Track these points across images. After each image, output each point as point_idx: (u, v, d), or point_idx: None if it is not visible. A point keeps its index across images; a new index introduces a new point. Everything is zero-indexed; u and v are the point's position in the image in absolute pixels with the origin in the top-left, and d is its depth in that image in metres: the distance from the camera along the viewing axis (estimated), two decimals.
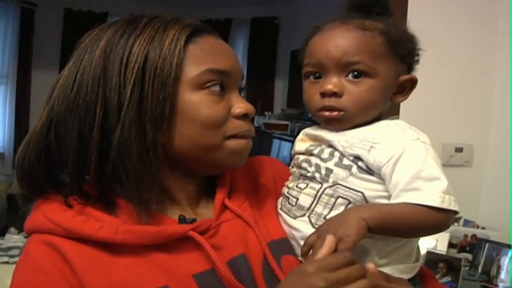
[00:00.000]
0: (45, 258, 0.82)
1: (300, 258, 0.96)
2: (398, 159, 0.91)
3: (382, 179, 0.93)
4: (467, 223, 2.26)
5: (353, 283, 0.78)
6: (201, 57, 0.91)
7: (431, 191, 0.88)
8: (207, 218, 0.94)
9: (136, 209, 0.87)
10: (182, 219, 0.92)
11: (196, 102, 0.90)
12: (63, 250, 0.82)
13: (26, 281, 0.83)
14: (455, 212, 0.89)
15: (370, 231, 0.85)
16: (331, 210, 0.95)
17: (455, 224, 2.24)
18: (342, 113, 0.97)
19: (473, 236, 2.13)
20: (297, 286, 0.79)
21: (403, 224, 0.89)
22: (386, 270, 0.91)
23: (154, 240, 0.86)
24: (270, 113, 6.55)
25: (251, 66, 7.31)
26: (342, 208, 0.94)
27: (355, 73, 0.96)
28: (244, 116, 0.95)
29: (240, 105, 0.95)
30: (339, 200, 0.94)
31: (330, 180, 0.96)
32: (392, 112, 1.04)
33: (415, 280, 0.98)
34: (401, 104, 2.08)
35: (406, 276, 0.95)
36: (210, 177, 1.03)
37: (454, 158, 2.37)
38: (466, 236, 2.14)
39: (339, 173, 0.95)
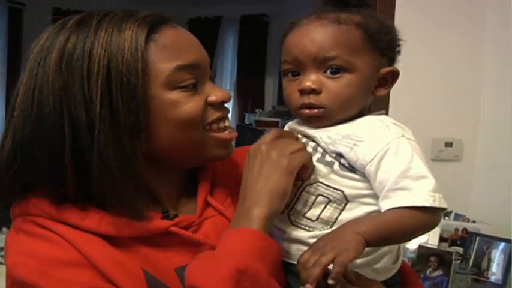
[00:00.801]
0: (41, 229, 0.83)
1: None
2: (383, 157, 0.89)
3: (364, 177, 0.91)
4: (458, 217, 2.27)
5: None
6: (166, 55, 0.87)
7: (421, 191, 0.86)
8: (189, 214, 0.95)
9: (121, 215, 0.86)
10: (165, 213, 0.93)
11: (172, 101, 0.87)
12: (55, 229, 0.83)
13: (26, 249, 0.83)
14: (444, 209, 0.88)
15: (367, 245, 0.83)
16: (310, 208, 0.93)
17: (446, 218, 2.25)
18: (322, 110, 0.95)
19: (464, 229, 2.14)
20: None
21: (400, 231, 0.87)
22: (363, 271, 0.90)
23: (136, 234, 0.86)
24: (260, 110, 6.55)
25: (241, 63, 7.31)
26: (321, 206, 0.92)
27: (333, 69, 0.94)
28: (220, 103, 0.94)
29: (215, 92, 0.93)
30: (319, 198, 0.93)
31: (311, 177, 0.94)
32: (381, 108, 1.03)
33: (393, 280, 0.97)
34: (391, 100, 2.11)
35: (382, 278, 0.93)
36: (190, 170, 1.01)
37: (444, 152, 2.38)
38: (456, 229, 2.15)
39: (320, 169, 0.93)
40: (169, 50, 0.88)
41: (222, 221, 0.96)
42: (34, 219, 0.85)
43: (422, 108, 2.34)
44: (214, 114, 0.93)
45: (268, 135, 0.94)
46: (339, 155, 0.93)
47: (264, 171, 0.89)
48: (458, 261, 2.03)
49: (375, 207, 0.91)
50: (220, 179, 1.02)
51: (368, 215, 0.91)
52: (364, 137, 0.91)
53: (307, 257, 0.82)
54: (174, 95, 0.87)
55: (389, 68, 0.99)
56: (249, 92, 7.19)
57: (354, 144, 0.91)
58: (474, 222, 2.22)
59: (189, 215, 0.94)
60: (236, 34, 7.40)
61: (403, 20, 2.19)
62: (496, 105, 2.35)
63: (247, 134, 6.30)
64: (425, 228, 0.90)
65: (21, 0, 6.65)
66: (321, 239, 0.86)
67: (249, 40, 7.22)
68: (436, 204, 0.86)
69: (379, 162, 0.89)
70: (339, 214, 0.91)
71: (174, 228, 0.88)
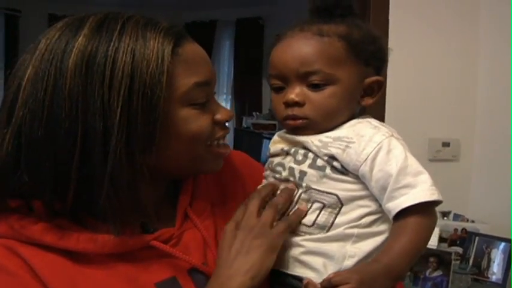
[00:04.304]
0: (10, 261, 0.78)
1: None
2: (376, 156, 0.90)
3: (357, 179, 0.92)
4: (456, 217, 2.27)
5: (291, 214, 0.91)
6: (185, 71, 0.85)
7: (424, 186, 0.88)
8: (169, 224, 0.92)
9: (112, 229, 0.82)
10: (145, 227, 0.90)
11: (184, 118, 0.85)
12: (25, 256, 0.78)
13: None
14: (440, 202, 0.90)
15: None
16: (306, 214, 0.93)
17: (445, 218, 2.25)
18: (306, 121, 0.96)
19: (463, 229, 2.15)
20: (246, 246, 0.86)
21: (420, 240, 0.88)
22: None
23: (115, 250, 0.83)
24: (257, 113, 6.55)
25: (237, 67, 7.30)
26: (317, 211, 0.92)
27: (315, 82, 0.95)
28: (225, 122, 0.94)
29: (220, 110, 0.93)
30: (314, 204, 0.93)
31: (303, 185, 0.94)
32: (378, 109, 1.03)
33: None
34: (387, 101, 2.11)
35: None
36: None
37: (441, 152, 2.38)
38: (456, 230, 2.15)
39: (312, 174, 0.93)
40: (189, 66, 0.86)
41: (199, 234, 0.94)
42: (4, 243, 0.80)
43: (418, 109, 2.34)
44: (218, 133, 0.92)
45: (253, 203, 0.92)
46: (332, 158, 0.93)
47: (248, 244, 0.86)
48: (458, 261, 2.03)
49: (369, 209, 0.92)
50: (202, 188, 1.01)
51: (381, 244, 0.91)
52: (355, 138, 0.93)
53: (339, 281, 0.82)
54: (186, 111, 0.85)
55: (373, 78, 1.00)
56: (246, 95, 7.18)
57: (346, 146, 0.92)
58: (473, 222, 2.23)
59: (168, 228, 0.91)
60: (232, 38, 7.40)
61: (398, 22, 2.20)
62: (492, 104, 2.36)
63: (245, 138, 6.30)
64: (433, 226, 0.91)
65: (17, 7, 6.65)
66: (356, 273, 0.84)
67: (245, 43, 7.21)
68: (440, 198, 0.88)
69: (372, 162, 0.90)
70: (335, 218, 0.91)
71: (154, 243, 0.86)
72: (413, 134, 2.26)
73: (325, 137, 0.95)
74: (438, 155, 2.37)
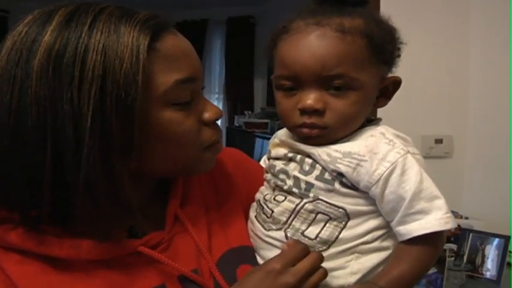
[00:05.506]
0: None
1: None
2: (389, 177, 0.84)
3: (366, 194, 0.86)
4: None
5: (315, 274, 0.80)
6: (165, 66, 0.77)
7: (438, 214, 0.83)
8: (158, 226, 0.87)
9: (96, 235, 0.77)
10: (132, 231, 0.84)
11: (167, 120, 0.78)
12: (2, 263, 0.74)
13: None
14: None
15: None
16: (309, 225, 0.88)
17: None
18: (324, 130, 0.88)
19: (457, 226, 2.14)
20: (265, 285, 0.77)
21: (422, 272, 0.86)
22: None
23: (100, 256, 0.77)
24: (249, 112, 6.53)
25: (229, 66, 7.29)
26: (321, 224, 0.87)
27: (338, 87, 0.86)
28: (214, 120, 0.87)
29: (208, 108, 0.85)
30: (319, 216, 0.87)
31: (311, 195, 0.88)
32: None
33: None
34: None
35: None
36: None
37: (434, 149, 2.38)
38: None
39: (320, 187, 0.88)
40: (169, 62, 0.77)
41: (190, 239, 0.89)
42: None
43: (411, 106, 2.34)
44: (211, 136, 0.86)
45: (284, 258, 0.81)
46: (340, 175, 0.87)
47: None
48: (452, 258, 2.03)
49: (376, 224, 0.88)
50: (195, 189, 0.96)
51: (384, 261, 0.88)
52: (368, 156, 0.86)
53: None
54: (169, 113, 0.78)
55: (392, 78, 0.94)
56: (238, 94, 7.17)
57: (357, 164, 0.85)
58: (467, 218, 2.23)
59: (157, 232, 0.85)
60: (223, 36, 7.39)
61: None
62: (484, 101, 2.36)
63: (237, 137, 6.29)
64: (437, 255, 0.88)
65: (5, 7, 6.61)
66: None
67: (237, 42, 7.20)
68: (454, 225, 0.84)
69: (384, 184, 0.84)
70: (340, 232, 0.87)
71: (142, 249, 0.80)
72: (406, 131, 2.24)
73: (334, 150, 0.88)
74: (431, 151, 2.37)
